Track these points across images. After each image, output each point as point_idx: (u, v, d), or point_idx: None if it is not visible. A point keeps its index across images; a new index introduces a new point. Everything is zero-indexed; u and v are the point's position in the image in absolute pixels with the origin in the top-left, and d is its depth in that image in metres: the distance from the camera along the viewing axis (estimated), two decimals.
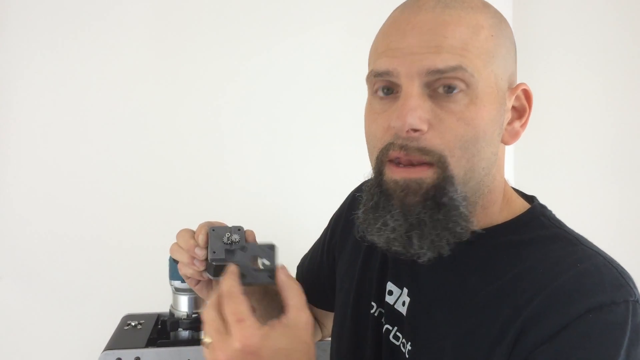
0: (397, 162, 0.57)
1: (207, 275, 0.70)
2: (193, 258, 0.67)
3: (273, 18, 1.46)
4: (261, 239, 1.52)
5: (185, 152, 1.44)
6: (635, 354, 0.51)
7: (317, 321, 0.95)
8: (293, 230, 1.44)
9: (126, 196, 1.41)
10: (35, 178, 1.38)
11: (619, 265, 0.57)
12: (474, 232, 0.59)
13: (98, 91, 1.40)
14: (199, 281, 0.73)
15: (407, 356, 0.64)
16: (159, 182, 1.42)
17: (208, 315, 0.56)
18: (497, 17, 0.59)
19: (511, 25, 1.67)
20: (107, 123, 1.41)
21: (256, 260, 0.65)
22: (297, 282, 0.60)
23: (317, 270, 0.89)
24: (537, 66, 1.48)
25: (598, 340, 0.50)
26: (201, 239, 0.66)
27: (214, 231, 0.66)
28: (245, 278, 0.62)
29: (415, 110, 0.54)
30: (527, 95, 0.61)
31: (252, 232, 0.69)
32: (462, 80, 0.55)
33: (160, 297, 1.15)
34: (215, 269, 0.65)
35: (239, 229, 0.66)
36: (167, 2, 1.42)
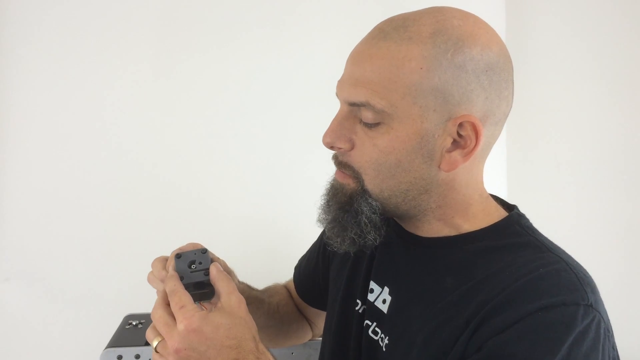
0: None
1: None
2: None
3: (269, 21, 1.48)
4: (257, 243, 1.55)
5: (183, 158, 1.46)
6: (578, 353, 0.54)
7: (308, 320, 0.99)
8: (289, 234, 1.47)
9: (127, 201, 1.43)
10: (38, 181, 1.40)
11: (581, 271, 0.61)
12: (447, 238, 0.67)
13: (99, 94, 1.42)
14: None
15: (384, 350, 0.69)
16: (158, 186, 1.45)
17: (156, 313, 0.62)
18: (445, 47, 0.58)
19: (504, 35, 1.68)
20: (111, 127, 1.43)
21: (193, 265, 0.70)
22: (226, 274, 0.67)
23: (313, 270, 0.93)
24: (531, 72, 1.50)
25: (542, 336, 0.55)
26: (171, 269, 0.71)
27: (180, 258, 0.70)
28: (184, 279, 0.68)
29: (332, 132, 0.65)
30: (474, 128, 0.60)
31: (216, 256, 0.76)
32: (374, 113, 0.61)
33: None
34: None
35: (203, 252, 0.71)
36: (164, 6, 1.45)
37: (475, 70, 0.59)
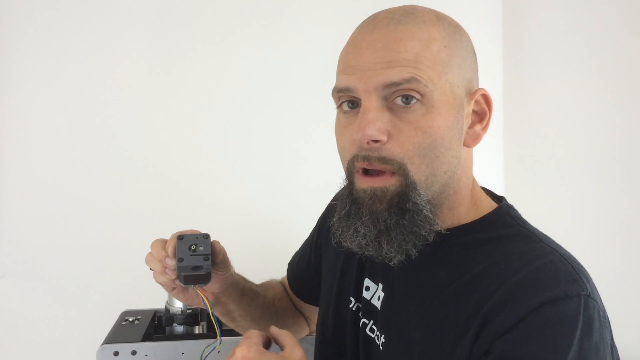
0: (365, 172, 0.62)
1: (178, 283, 0.74)
2: (165, 267, 0.72)
3: (265, 19, 1.48)
4: (254, 240, 1.55)
5: (180, 154, 1.46)
6: (589, 346, 0.54)
7: (305, 316, 0.99)
8: (287, 231, 1.47)
9: (124, 197, 1.43)
10: (36, 177, 1.40)
11: (574, 261, 0.60)
12: (440, 232, 0.64)
13: (96, 91, 1.42)
14: (174, 287, 0.78)
15: (380, 348, 0.68)
16: (154, 182, 1.45)
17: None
18: (451, 29, 0.63)
19: (500, 27, 1.68)
20: (108, 123, 1.43)
21: (193, 247, 0.70)
22: (286, 331, 0.65)
23: (306, 267, 0.92)
24: (528, 67, 1.50)
25: (552, 332, 0.54)
26: (170, 249, 0.70)
27: (182, 240, 0.70)
28: (183, 261, 0.68)
29: (373, 123, 0.59)
30: (486, 99, 0.65)
31: (217, 242, 0.75)
32: (417, 91, 0.59)
33: (157, 294, 1.17)
34: (185, 278, 0.70)
35: (205, 237, 0.71)
36: (160, 4, 1.45)
37: (472, 51, 0.65)
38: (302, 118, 1.50)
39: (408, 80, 0.58)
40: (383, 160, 0.60)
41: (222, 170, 1.49)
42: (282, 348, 0.63)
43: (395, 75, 0.58)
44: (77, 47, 1.41)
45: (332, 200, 0.87)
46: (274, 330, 0.65)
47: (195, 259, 0.69)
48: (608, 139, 1.26)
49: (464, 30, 0.65)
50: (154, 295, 1.18)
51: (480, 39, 0.68)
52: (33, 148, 1.40)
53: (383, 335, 0.68)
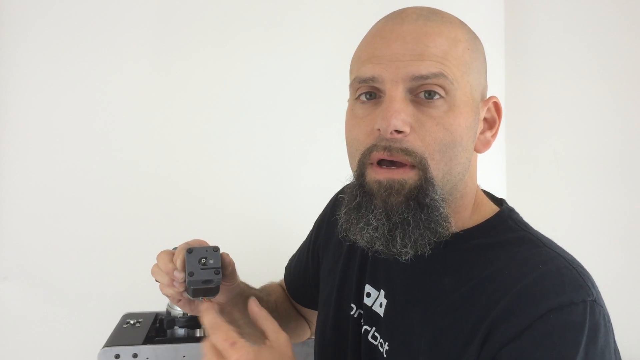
0: (379, 164, 0.60)
1: (186, 296, 0.74)
2: (172, 280, 0.71)
3: (268, 20, 1.48)
4: (256, 242, 1.54)
5: (181, 157, 1.46)
6: (594, 352, 0.54)
7: (307, 320, 0.98)
8: (290, 234, 1.46)
9: (125, 200, 1.43)
10: (37, 179, 1.40)
11: (579, 266, 0.60)
12: (455, 232, 0.63)
13: (97, 92, 1.42)
14: (181, 299, 0.77)
15: (384, 356, 0.67)
16: (156, 184, 1.44)
17: (205, 347, 0.60)
18: (472, 34, 0.64)
19: (502, 32, 1.68)
20: (109, 125, 1.43)
21: (203, 261, 0.70)
22: (266, 312, 0.65)
23: (303, 271, 0.92)
24: (530, 70, 1.50)
25: (559, 339, 0.53)
26: (179, 262, 0.70)
27: (191, 253, 0.69)
28: (193, 275, 0.67)
29: (399, 113, 0.58)
30: (497, 107, 0.66)
31: (227, 254, 0.75)
32: (443, 87, 0.59)
33: (158, 297, 1.17)
34: (193, 291, 0.69)
35: (215, 250, 0.70)
36: (164, 4, 1.45)
37: (486, 61, 0.65)
38: (304, 120, 1.49)
39: (436, 75, 0.58)
40: (405, 151, 0.58)
41: (223, 172, 1.48)
42: (264, 335, 0.63)
43: (425, 68, 0.58)
44: (78, 48, 1.40)
45: (333, 197, 0.88)
46: (254, 309, 0.65)
47: (205, 272, 0.68)
48: (610, 142, 1.26)
49: (480, 40, 0.65)
50: (155, 298, 1.18)
51: (482, 42, 0.68)
52: (34, 150, 1.40)
53: (387, 343, 0.67)
